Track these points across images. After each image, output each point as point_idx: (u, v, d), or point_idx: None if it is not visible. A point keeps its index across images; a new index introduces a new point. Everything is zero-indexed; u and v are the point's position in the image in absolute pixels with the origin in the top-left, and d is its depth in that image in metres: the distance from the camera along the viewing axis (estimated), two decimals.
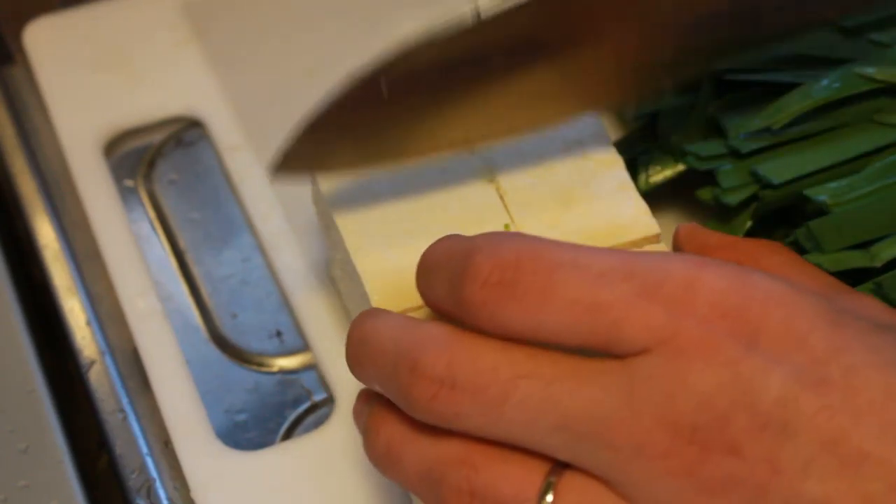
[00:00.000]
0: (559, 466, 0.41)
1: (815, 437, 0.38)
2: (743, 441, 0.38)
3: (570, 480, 0.40)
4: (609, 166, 0.50)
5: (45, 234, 0.60)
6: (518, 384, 0.40)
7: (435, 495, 0.41)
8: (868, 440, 0.38)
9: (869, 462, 0.38)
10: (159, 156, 0.63)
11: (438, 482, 0.41)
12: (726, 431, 0.38)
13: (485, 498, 0.40)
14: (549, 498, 0.40)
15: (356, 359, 0.44)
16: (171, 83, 0.64)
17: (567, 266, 0.40)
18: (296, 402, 0.55)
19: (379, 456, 0.43)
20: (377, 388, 0.43)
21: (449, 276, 0.42)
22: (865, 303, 0.45)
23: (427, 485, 0.42)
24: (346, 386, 0.54)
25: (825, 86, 0.54)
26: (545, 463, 0.41)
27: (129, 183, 0.62)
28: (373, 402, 0.44)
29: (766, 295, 0.40)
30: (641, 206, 0.49)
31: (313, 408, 0.55)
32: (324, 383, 0.55)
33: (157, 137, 0.63)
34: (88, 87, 0.64)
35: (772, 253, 0.48)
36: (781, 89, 0.54)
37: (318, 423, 0.54)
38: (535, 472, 0.41)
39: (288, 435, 0.54)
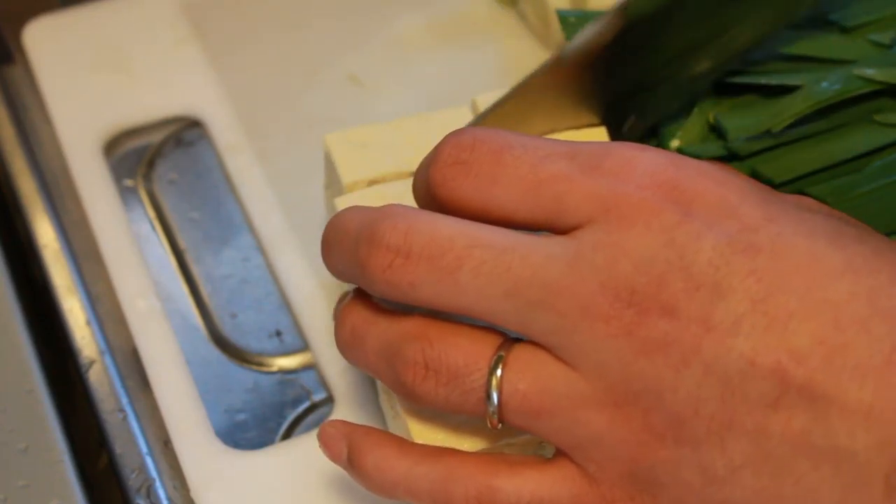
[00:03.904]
0: (509, 342, 0.43)
1: (745, 297, 0.40)
2: (678, 302, 0.41)
3: (518, 352, 0.43)
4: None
5: (45, 234, 0.60)
6: (472, 252, 0.42)
7: (392, 370, 0.44)
8: (794, 299, 0.40)
9: (795, 319, 0.40)
10: (159, 156, 0.63)
11: (395, 356, 0.44)
12: (662, 293, 0.41)
13: (438, 369, 0.43)
14: (499, 372, 0.42)
15: (327, 245, 0.46)
16: (170, 83, 0.64)
17: (516, 147, 0.43)
18: (295, 402, 0.55)
19: (345, 342, 0.46)
20: (344, 277, 0.46)
21: (424, 166, 0.45)
22: (797, 196, 0.47)
23: (385, 361, 0.44)
24: (345, 385, 0.54)
25: (825, 87, 0.54)
26: (496, 337, 0.43)
27: (129, 183, 0.62)
28: (344, 298, 0.47)
29: (700, 172, 0.42)
30: None
31: (313, 407, 0.55)
32: (323, 383, 0.55)
33: (156, 137, 0.63)
34: (88, 87, 0.64)
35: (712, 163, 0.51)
36: (781, 90, 0.54)
37: (318, 423, 0.54)
38: (486, 345, 0.43)
39: (288, 435, 0.54)
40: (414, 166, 0.51)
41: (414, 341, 0.44)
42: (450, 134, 0.44)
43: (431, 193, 0.44)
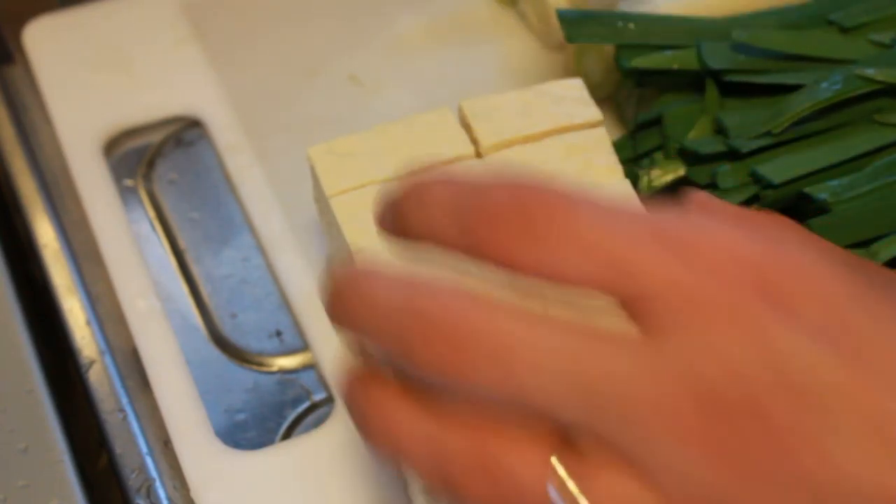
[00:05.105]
0: (568, 453, 0.37)
1: (851, 410, 0.35)
2: (781, 419, 0.35)
3: (585, 468, 0.37)
4: (609, 172, 0.51)
5: (45, 234, 0.60)
6: (536, 353, 0.37)
7: (446, 481, 0.38)
8: None
9: None
10: (159, 155, 0.63)
11: (449, 466, 0.38)
12: (758, 405, 0.35)
13: (497, 479, 0.37)
14: (572, 485, 0.37)
15: (341, 305, 0.39)
16: (170, 83, 0.64)
17: (588, 216, 0.37)
18: (295, 402, 0.55)
19: (378, 440, 0.40)
20: (375, 346, 0.39)
21: (455, 208, 0.38)
22: (889, 274, 0.44)
23: (437, 471, 0.38)
24: None
25: (825, 88, 0.54)
26: (554, 438, 0.38)
27: (128, 183, 0.62)
28: (368, 385, 0.40)
29: (796, 262, 0.37)
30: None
31: (313, 407, 0.55)
32: (323, 383, 0.55)
33: (156, 137, 0.63)
34: (88, 86, 0.64)
35: (785, 228, 0.44)
36: (782, 89, 0.54)
37: (318, 423, 0.54)
38: (545, 449, 0.37)
39: (288, 435, 0.54)
40: (400, 172, 0.51)
41: (471, 455, 0.38)
42: (505, 178, 0.38)
43: (479, 250, 0.38)
